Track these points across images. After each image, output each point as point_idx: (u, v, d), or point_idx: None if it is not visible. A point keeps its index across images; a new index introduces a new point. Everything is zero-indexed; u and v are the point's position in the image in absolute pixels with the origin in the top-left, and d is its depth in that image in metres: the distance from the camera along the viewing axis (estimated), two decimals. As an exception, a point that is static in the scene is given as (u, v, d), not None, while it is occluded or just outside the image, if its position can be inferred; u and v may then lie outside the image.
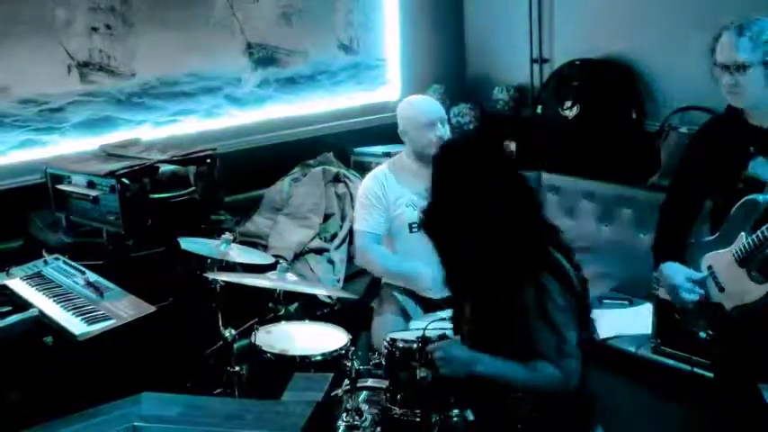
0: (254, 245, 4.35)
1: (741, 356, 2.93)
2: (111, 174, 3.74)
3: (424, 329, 2.89)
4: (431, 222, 2.63)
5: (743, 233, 2.78)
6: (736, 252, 2.81)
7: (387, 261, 3.85)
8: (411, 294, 3.87)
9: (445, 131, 3.79)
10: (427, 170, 3.85)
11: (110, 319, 3.11)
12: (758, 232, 2.72)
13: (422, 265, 3.68)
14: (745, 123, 2.83)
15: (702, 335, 3.01)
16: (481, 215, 2.49)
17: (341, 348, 3.34)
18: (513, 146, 5.40)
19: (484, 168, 2.54)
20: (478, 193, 2.50)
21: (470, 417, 2.72)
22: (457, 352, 2.59)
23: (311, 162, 5.04)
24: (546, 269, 2.48)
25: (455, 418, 2.81)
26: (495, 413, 2.64)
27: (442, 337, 2.75)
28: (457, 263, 2.63)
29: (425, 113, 3.80)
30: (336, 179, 4.94)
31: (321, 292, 4.01)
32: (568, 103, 5.04)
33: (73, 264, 3.66)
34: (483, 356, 2.54)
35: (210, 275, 3.53)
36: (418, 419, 2.84)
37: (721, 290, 2.90)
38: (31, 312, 3.19)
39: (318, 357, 3.30)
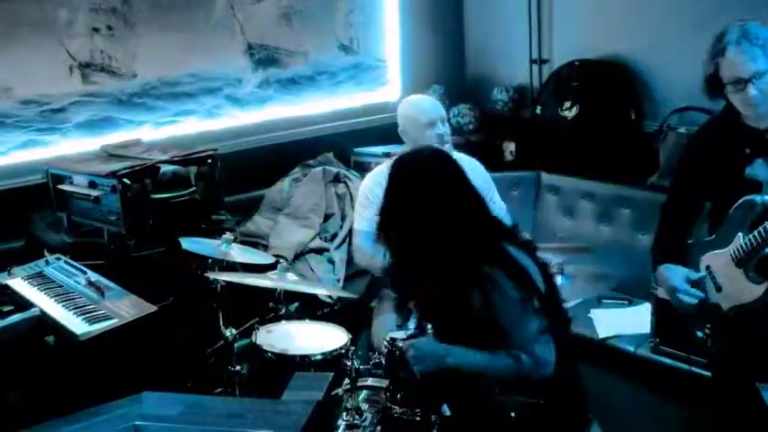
0: (254, 245, 4.36)
1: (738, 356, 2.94)
2: (113, 174, 3.75)
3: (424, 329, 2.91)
4: (384, 226, 2.71)
5: (740, 233, 2.80)
6: (734, 252, 2.82)
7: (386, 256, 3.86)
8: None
9: (445, 130, 3.80)
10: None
11: (111, 318, 3.13)
12: (755, 232, 2.73)
13: None
14: (742, 125, 2.84)
15: (699, 334, 3.02)
16: (429, 215, 2.57)
17: (341, 348, 3.35)
18: (512, 146, 5.42)
19: (431, 173, 2.65)
20: (426, 195, 2.59)
21: (447, 412, 2.73)
22: (428, 347, 2.66)
23: (311, 162, 5.05)
24: (495, 264, 2.54)
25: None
26: (481, 408, 2.67)
27: (414, 336, 2.80)
28: (409, 263, 2.70)
29: (426, 113, 3.81)
30: (336, 179, 4.94)
31: (321, 291, 4.03)
32: (568, 104, 5.04)
33: (74, 263, 3.67)
34: (453, 348, 2.61)
35: (211, 275, 3.55)
36: (418, 419, 2.84)
37: (719, 290, 2.91)
38: (33, 312, 3.19)
39: (319, 357, 3.31)
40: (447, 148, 3.81)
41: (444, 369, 2.62)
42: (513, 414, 2.62)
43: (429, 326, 2.84)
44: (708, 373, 3.18)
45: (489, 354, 2.57)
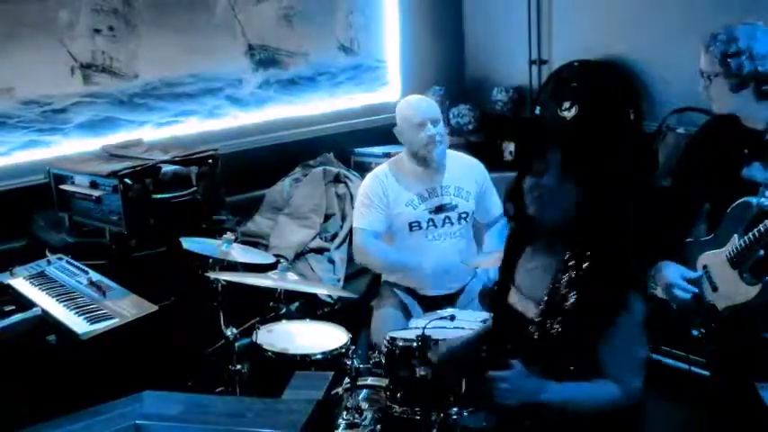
0: (255, 244, 4.37)
1: (735, 355, 2.96)
2: (114, 174, 3.76)
3: (424, 328, 2.93)
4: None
5: (736, 235, 2.82)
6: (730, 253, 2.84)
7: (386, 254, 3.89)
8: (411, 293, 3.92)
9: (437, 131, 3.81)
10: (425, 171, 3.90)
11: (112, 318, 3.13)
12: (749, 234, 2.75)
13: (422, 259, 3.74)
14: (740, 126, 2.86)
15: (695, 332, 3.04)
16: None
17: (341, 347, 3.36)
18: (512, 146, 5.43)
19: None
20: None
21: (482, 423, 2.71)
22: (522, 383, 2.33)
23: (312, 162, 5.07)
24: (639, 284, 2.39)
25: (454, 416, 2.84)
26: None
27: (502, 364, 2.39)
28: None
29: (418, 113, 3.84)
30: (337, 179, 4.95)
31: (321, 291, 4.03)
32: (567, 104, 5.05)
33: (76, 263, 3.67)
34: (548, 383, 2.33)
35: (212, 275, 3.55)
36: (418, 417, 2.87)
37: (714, 289, 2.93)
38: (35, 312, 3.19)
39: (319, 356, 3.32)
40: (441, 148, 3.84)
41: (528, 406, 2.34)
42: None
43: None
44: (705, 373, 3.20)
45: (590, 384, 2.33)
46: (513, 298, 2.54)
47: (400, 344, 2.97)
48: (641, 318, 2.34)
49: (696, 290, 2.96)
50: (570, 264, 2.35)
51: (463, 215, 3.90)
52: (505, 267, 2.63)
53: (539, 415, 2.36)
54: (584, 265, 2.33)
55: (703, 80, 2.87)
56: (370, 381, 3.12)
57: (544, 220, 2.40)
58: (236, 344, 3.52)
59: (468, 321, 3.21)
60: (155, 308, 3.20)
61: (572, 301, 2.32)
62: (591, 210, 2.34)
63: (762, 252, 2.74)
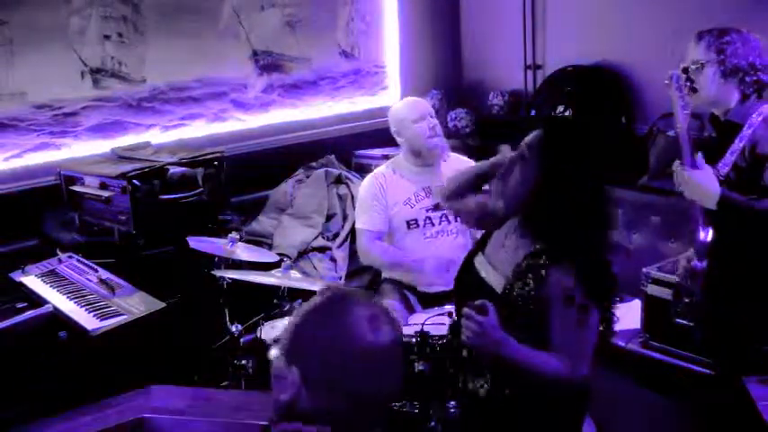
0: (259, 244, 4.42)
1: (725, 350, 3.06)
2: (123, 175, 3.81)
3: (422, 324, 3.01)
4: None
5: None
6: None
7: (389, 255, 3.95)
8: (411, 289, 3.97)
9: (435, 123, 3.92)
10: (424, 169, 3.95)
11: (121, 314, 3.20)
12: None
13: (423, 257, 3.81)
14: (715, 118, 3.03)
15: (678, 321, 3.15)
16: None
17: (342, 343, 3.44)
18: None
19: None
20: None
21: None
22: (491, 331, 2.35)
23: (314, 164, 5.10)
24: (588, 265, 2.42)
25: (452, 410, 2.87)
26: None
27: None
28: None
29: (414, 109, 3.93)
30: (338, 180, 5.00)
31: (324, 289, 4.09)
32: (561, 108, 5.06)
33: (86, 262, 3.74)
34: (510, 340, 2.36)
35: (218, 273, 3.62)
36: (416, 411, 2.93)
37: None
38: (46, 308, 3.27)
39: (320, 352, 3.40)
40: (440, 139, 3.93)
41: (487, 353, 2.39)
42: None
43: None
44: (696, 368, 3.29)
45: (546, 354, 2.38)
46: (479, 262, 2.65)
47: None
48: (590, 312, 2.38)
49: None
50: (536, 249, 2.44)
51: (460, 212, 3.97)
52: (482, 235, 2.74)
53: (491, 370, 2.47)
54: (543, 258, 2.41)
55: (688, 72, 2.99)
56: (369, 375, 3.17)
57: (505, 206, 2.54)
58: (241, 340, 3.58)
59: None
60: (162, 305, 3.27)
61: (530, 286, 2.40)
62: (546, 200, 2.44)
63: None
